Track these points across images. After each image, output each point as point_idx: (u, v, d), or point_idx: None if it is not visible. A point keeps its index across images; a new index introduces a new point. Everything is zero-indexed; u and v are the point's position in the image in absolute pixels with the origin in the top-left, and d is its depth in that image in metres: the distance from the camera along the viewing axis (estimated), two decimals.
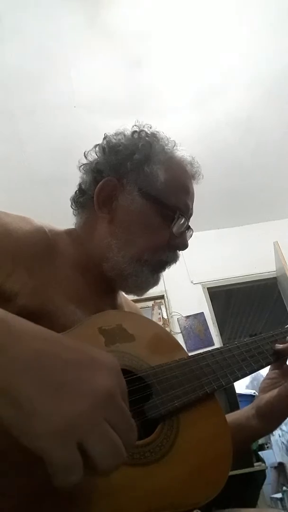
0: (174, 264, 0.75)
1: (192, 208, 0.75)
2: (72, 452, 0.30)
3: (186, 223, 0.72)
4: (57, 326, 0.54)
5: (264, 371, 0.74)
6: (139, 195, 0.69)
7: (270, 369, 0.73)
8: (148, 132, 0.74)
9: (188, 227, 0.74)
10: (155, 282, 0.72)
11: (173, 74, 2.45)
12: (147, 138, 0.73)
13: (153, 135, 0.74)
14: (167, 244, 0.70)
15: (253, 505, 2.10)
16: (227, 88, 2.60)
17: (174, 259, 0.74)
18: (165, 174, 0.70)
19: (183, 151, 0.75)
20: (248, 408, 0.71)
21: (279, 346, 0.70)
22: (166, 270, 0.75)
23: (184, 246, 0.73)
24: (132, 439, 0.36)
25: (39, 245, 0.62)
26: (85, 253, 0.70)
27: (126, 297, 0.85)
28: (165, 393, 0.54)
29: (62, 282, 0.62)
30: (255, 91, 2.65)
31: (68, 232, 0.73)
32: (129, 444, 0.35)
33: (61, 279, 0.62)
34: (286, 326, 0.76)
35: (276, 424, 0.69)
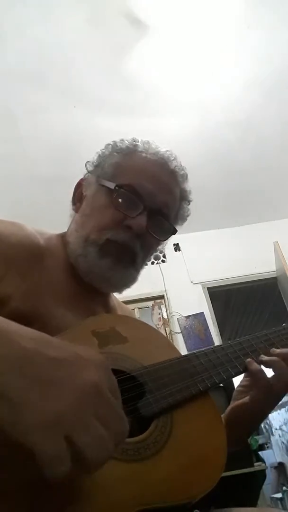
0: (125, 244, 0.68)
1: (160, 195, 0.71)
2: (60, 445, 0.32)
3: (140, 204, 0.68)
4: (49, 328, 0.56)
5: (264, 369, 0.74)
6: (95, 182, 0.73)
7: (244, 377, 0.71)
8: (125, 140, 0.76)
9: (153, 212, 0.70)
10: (109, 267, 0.67)
11: (173, 74, 2.45)
12: (118, 141, 0.76)
13: (131, 139, 0.76)
14: (114, 222, 0.68)
15: (253, 505, 2.10)
16: (227, 88, 2.60)
17: (126, 240, 0.68)
18: (118, 159, 0.73)
19: (159, 148, 0.75)
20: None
21: (264, 358, 0.67)
22: (121, 254, 0.68)
23: (138, 225, 0.67)
24: (119, 433, 0.37)
25: (30, 249, 0.63)
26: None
27: (119, 300, 0.86)
28: (158, 391, 0.55)
29: (53, 285, 0.64)
30: (255, 91, 2.65)
31: (60, 235, 0.75)
32: (117, 437, 0.36)
33: (52, 282, 0.64)
34: (283, 325, 0.76)
35: (241, 434, 0.68)
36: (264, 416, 0.69)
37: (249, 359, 0.66)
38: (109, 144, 0.76)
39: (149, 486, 0.45)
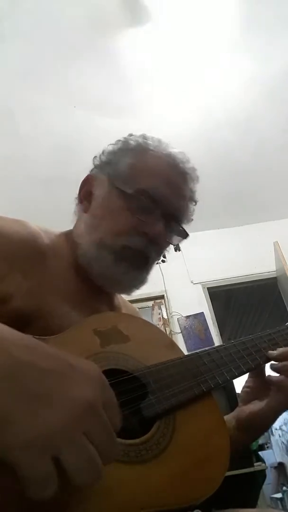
0: (141, 250, 0.68)
1: (175, 200, 0.70)
2: (46, 466, 0.30)
3: (156, 210, 0.68)
4: (53, 327, 0.55)
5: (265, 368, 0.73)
6: (108, 182, 0.71)
7: (248, 377, 0.70)
8: (137, 135, 0.75)
9: (168, 217, 0.69)
10: (123, 272, 0.67)
11: (173, 74, 2.45)
12: (129, 138, 0.74)
13: (141, 136, 0.74)
14: (130, 228, 0.67)
15: (253, 505, 2.09)
16: (227, 89, 2.60)
17: (142, 246, 0.67)
18: (132, 160, 0.70)
19: (172, 149, 0.73)
20: (229, 418, 0.68)
21: (275, 363, 0.66)
22: (136, 259, 0.68)
23: (155, 232, 0.67)
24: (111, 453, 0.35)
25: (33, 248, 0.62)
26: (75, 250, 0.70)
27: (124, 299, 0.85)
28: (161, 391, 0.54)
29: (57, 283, 0.63)
30: (255, 91, 2.65)
31: (66, 233, 0.74)
32: (108, 458, 0.34)
33: (55, 280, 0.63)
34: (286, 324, 0.76)
35: (256, 436, 0.68)
36: (275, 420, 0.68)
37: (268, 375, 0.66)
38: (119, 141, 0.74)
39: (151, 489, 0.45)
